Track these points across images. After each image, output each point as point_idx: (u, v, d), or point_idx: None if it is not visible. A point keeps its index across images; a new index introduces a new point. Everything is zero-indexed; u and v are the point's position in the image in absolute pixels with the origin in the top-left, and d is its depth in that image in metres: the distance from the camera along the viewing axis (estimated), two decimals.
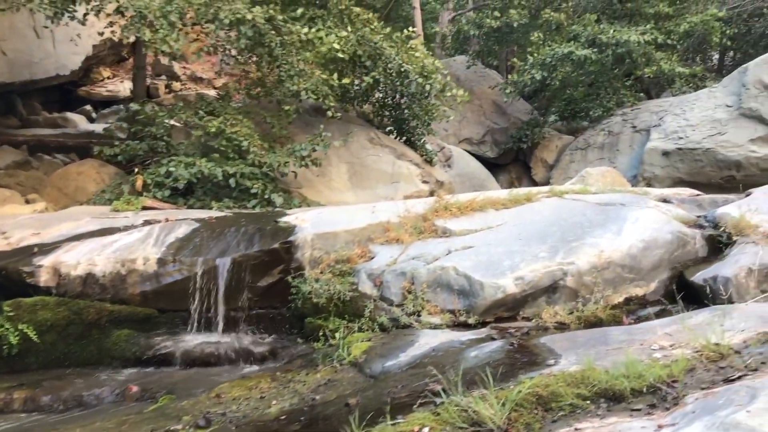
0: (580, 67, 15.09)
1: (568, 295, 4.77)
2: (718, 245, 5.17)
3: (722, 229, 5.22)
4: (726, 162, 12.33)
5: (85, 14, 9.13)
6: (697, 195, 6.85)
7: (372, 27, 11.84)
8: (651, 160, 13.29)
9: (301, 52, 10.89)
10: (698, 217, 5.72)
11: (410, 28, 12.21)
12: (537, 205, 5.92)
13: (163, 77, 20.26)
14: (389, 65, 11.72)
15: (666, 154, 13.08)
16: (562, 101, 17.03)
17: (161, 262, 5.23)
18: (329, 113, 10.95)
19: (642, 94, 16.28)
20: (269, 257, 5.32)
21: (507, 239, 5.26)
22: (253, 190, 9.70)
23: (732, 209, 5.43)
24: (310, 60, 11.32)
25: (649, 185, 13.30)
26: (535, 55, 14.30)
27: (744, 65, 12.81)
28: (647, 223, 5.25)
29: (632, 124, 14.47)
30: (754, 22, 17.96)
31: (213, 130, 9.72)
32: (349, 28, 11.33)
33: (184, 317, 5.17)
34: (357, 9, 12.09)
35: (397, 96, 12.72)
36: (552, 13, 14.75)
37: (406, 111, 13.33)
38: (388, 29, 11.98)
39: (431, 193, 12.35)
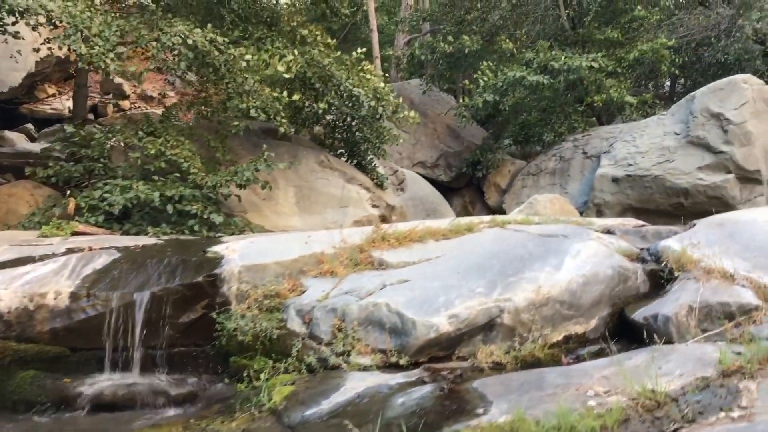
0: (533, 92, 15.10)
1: (506, 334, 4.54)
2: (659, 280, 5.01)
3: (664, 263, 5.07)
4: (674, 189, 12.37)
5: (14, 22, 8.72)
6: (642, 226, 6.72)
7: (321, 49, 11.62)
8: (601, 186, 13.28)
9: (246, 74, 10.61)
10: (641, 250, 5.57)
11: (359, 50, 12.03)
12: (478, 236, 5.71)
13: (111, 96, 19.74)
14: (340, 88, 11.51)
15: (616, 180, 13.09)
16: (516, 126, 17.04)
17: (74, 296, 4.84)
18: (282, 130, 10.66)
19: (594, 119, 16.38)
20: (192, 291, 4.98)
21: (445, 272, 5.03)
22: (192, 211, 9.33)
23: (674, 243, 5.28)
24: (258, 81, 11.04)
25: (599, 212, 13.29)
26: (486, 79, 14.25)
27: (691, 93, 12.94)
28: (588, 257, 5.07)
29: (583, 150, 14.50)
30: (703, 51, 18.26)
31: (152, 152, 9.37)
32: (296, 52, 11.09)
33: (99, 356, 4.78)
34: (306, 31, 11.86)
35: (348, 118, 12.50)
36: (505, 40, 14.75)
37: (357, 134, 13.11)
38: (338, 52, 11.77)
39: (382, 218, 12.12)
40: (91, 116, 18.72)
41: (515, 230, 5.81)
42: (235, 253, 5.41)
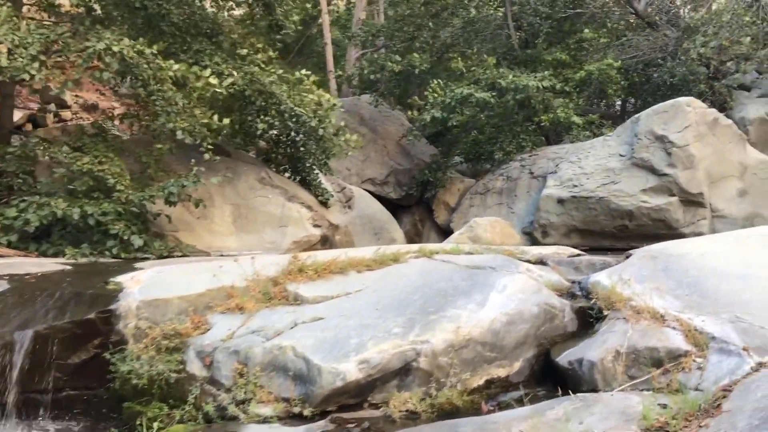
0: (482, 110, 14.89)
1: (422, 379, 4.16)
2: (589, 318, 4.71)
3: (593, 300, 4.78)
4: (619, 211, 12.23)
5: None
6: (577, 255, 6.46)
7: (262, 66, 11.19)
8: (546, 207, 13.08)
9: (175, 92, 10.12)
10: (572, 283, 5.28)
11: (302, 71, 11.64)
12: (403, 267, 5.35)
13: (52, 105, 18.94)
14: (281, 107, 11.10)
15: (561, 201, 12.90)
16: (467, 143, 16.80)
17: None
18: (206, 156, 10.14)
19: (543, 139, 16.24)
20: (83, 329, 4.49)
21: (362, 309, 4.64)
22: (112, 232, 8.79)
23: (604, 278, 5.00)
24: (190, 97, 10.57)
25: (544, 232, 13.09)
26: (434, 95, 13.99)
27: (636, 115, 12.85)
28: (515, 292, 4.74)
29: (530, 170, 14.31)
30: (652, 72, 18.32)
31: (78, 168, 8.84)
32: (234, 72, 10.65)
33: None
34: (245, 48, 11.41)
35: (292, 133, 12.07)
36: (456, 58, 14.50)
37: (301, 149, 12.70)
38: (280, 70, 11.34)
39: (323, 239, 11.70)
40: (29, 127, 17.93)
41: (443, 261, 5.47)
42: (138, 285, 4.93)
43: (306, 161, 12.60)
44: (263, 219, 11.32)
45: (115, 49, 8.77)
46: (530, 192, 14.02)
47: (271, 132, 12.05)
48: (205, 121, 9.84)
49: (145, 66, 9.29)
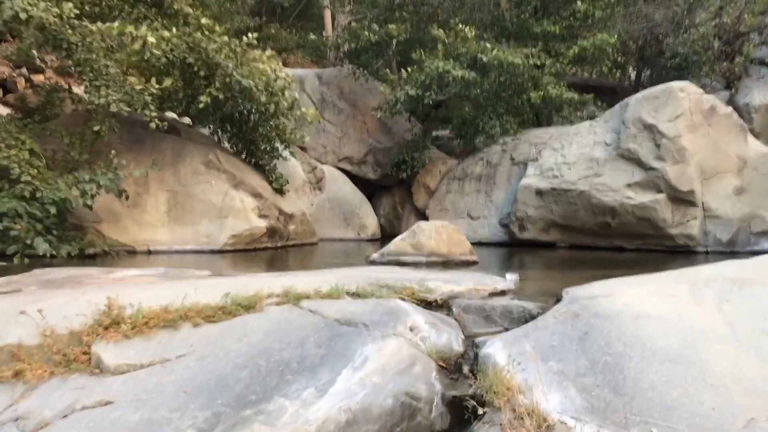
0: (465, 88, 13.50)
1: None
2: (465, 412, 3.47)
3: (477, 386, 3.53)
4: (601, 207, 10.86)
5: None
6: (501, 292, 5.19)
7: (208, 33, 9.87)
8: (524, 198, 11.74)
9: (110, 55, 8.87)
10: (468, 347, 4.04)
11: (250, 35, 10.29)
12: (254, 319, 4.12)
13: (24, 69, 17.84)
14: (227, 79, 9.82)
15: (540, 193, 11.55)
16: (458, 118, 15.40)
17: None
18: (151, 125, 8.98)
19: (528, 120, 14.77)
20: None
21: (168, 391, 3.45)
22: (12, 233, 7.68)
23: (499, 350, 3.74)
24: (125, 65, 9.32)
25: (521, 226, 11.77)
26: (410, 71, 12.60)
27: (625, 99, 11.36)
28: (372, 372, 3.51)
29: (511, 155, 12.92)
30: (665, 45, 16.62)
31: None
32: (174, 30, 9.37)
33: None
34: (188, 9, 10.07)
35: (245, 112, 10.79)
36: (437, 28, 13.00)
37: (256, 129, 11.43)
38: (225, 37, 10.02)
39: (271, 231, 10.51)
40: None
41: (310, 311, 4.23)
42: None
43: (260, 143, 11.35)
44: (201, 209, 10.15)
45: (34, 12, 7.55)
46: (510, 180, 12.69)
47: (225, 109, 10.77)
48: (140, 87, 8.59)
49: (70, 32, 8.07)
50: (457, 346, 4.03)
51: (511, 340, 3.85)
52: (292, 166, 14.00)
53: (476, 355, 3.91)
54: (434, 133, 18.48)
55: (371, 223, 14.43)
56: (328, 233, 13.78)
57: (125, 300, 4.23)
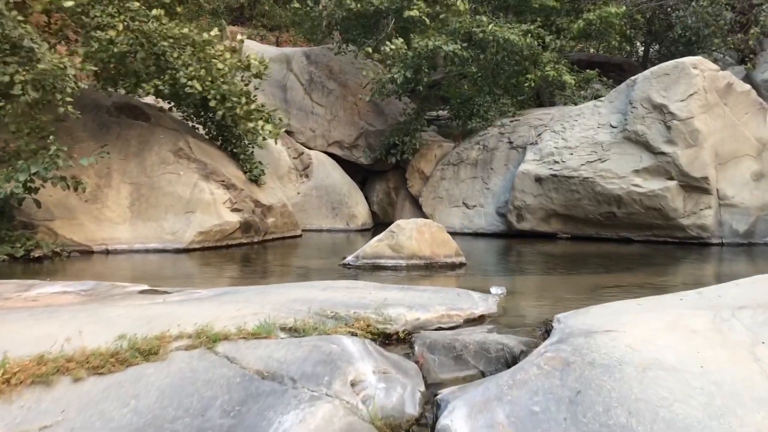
0: (461, 65, 12.43)
1: None
2: None
3: None
4: (605, 196, 9.83)
5: None
6: (479, 318, 4.22)
7: (162, 22, 8.86)
8: (522, 186, 10.72)
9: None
10: (423, 411, 3.08)
11: (213, 32, 9.26)
12: (152, 372, 3.16)
13: None
14: (176, 75, 8.82)
15: (539, 180, 10.52)
16: (456, 99, 14.31)
17: None
18: (60, 110, 7.90)
19: (529, 100, 13.67)
20: None
21: None
22: None
23: (459, 420, 2.78)
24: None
25: (519, 215, 10.77)
26: (393, 47, 11.53)
27: (633, 77, 10.27)
28: None
29: (509, 138, 11.86)
30: (675, 19, 15.45)
31: None
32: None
33: None
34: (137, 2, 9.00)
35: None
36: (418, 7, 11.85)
37: (228, 117, 10.42)
38: (186, 29, 8.98)
39: (245, 225, 9.56)
40: None
41: (226, 358, 3.27)
42: None
43: (233, 129, 10.36)
44: (167, 202, 9.21)
45: None
46: (508, 165, 11.66)
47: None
48: (57, 61, 7.53)
49: None
50: (412, 408, 3.07)
51: (480, 405, 2.88)
52: (277, 152, 13.00)
53: (435, 423, 2.95)
54: (433, 114, 17.36)
55: (361, 212, 13.43)
56: (316, 224, 12.81)
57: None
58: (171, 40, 8.59)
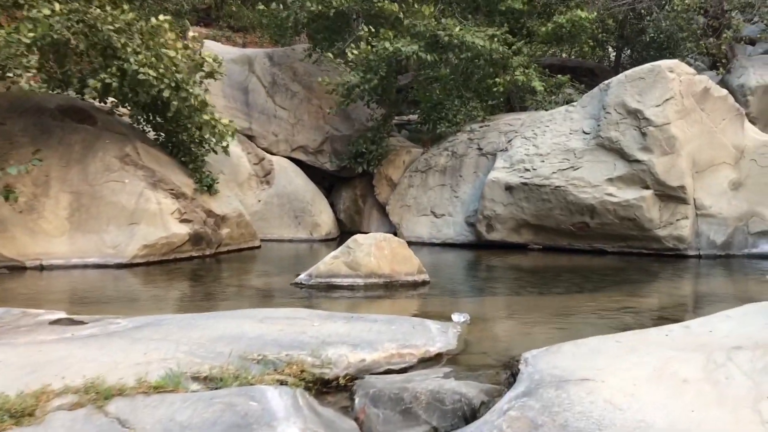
0: (431, 68, 11.88)
1: None
2: None
3: None
4: (578, 205, 9.33)
5: None
6: (434, 358, 3.63)
7: (108, 9, 8.15)
8: (492, 194, 10.18)
9: None
10: None
11: (161, 17, 8.59)
12: None
13: None
14: (124, 65, 8.15)
15: (510, 189, 9.99)
16: (426, 104, 13.73)
17: None
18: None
19: (505, 101, 13.16)
20: None
21: None
22: None
23: None
24: None
25: (489, 226, 10.24)
26: (356, 52, 10.95)
27: (607, 81, 9.79)
28: None
29: (479, 144, 11.32)
30: (646, 23, 15.09)
31: None
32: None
33: None
34: None
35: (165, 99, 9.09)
36: (388, 3, 11.27)
37: (173, 122, 9.75)
38: (131, 14, 8.30)
39: (195, 237, 8.87)
40: None
41: (117, 421, 2.64)
42: None
43: (181, 134, 9.68)
44: (110, 213, 8.49)
45: None
46: (478, 172, 11.12)
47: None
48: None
49: None
50: None
51: None
52: (237, 157, 12.31)
53: None
54: (405, 118, 16.72)
55: (326, 221, 12.79)
56: (277, 233, 12.14)
57: None
58: (116, 26, 7.90)
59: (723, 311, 3.84)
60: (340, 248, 6.39)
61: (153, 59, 8.13)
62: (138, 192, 8.67)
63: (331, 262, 6.27)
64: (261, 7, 13.55)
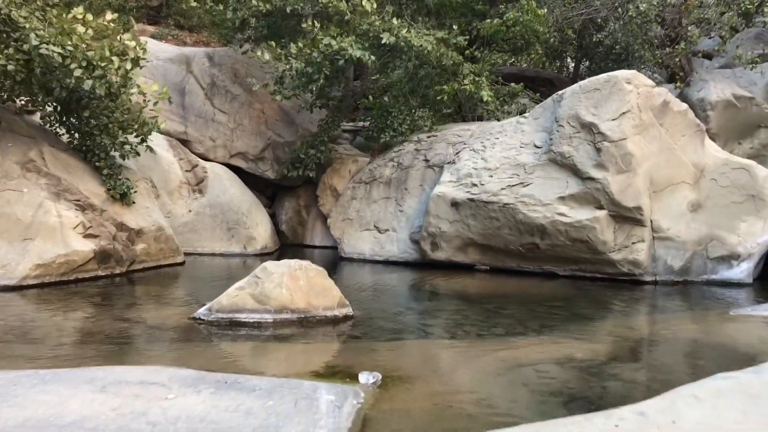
0: (381, 74, 11.00)
1: None
2: None
3: None
4: (527, 225, 8.51)
5: None
6: None
7: None
8: (437, 210, 9.31)
9: None
10: None
11: None
12: None
13: None
14: (24, 46, 7.07)
15: (456, 204, 9.14)
16: (377, 110, 12.82)
17: None
18: None
19: (456, 108, 12.35)
20: None
21: None
22: None
23: None
24: None
25: (434, 244, 9.37)
26: (301, 45, 10.02)
27: (560, 92, 9.02)
28: None
29: (425, 156, 10.46)
30: (604, 34, 14.46)
31: None
32: None
33: None
34: None
35: (78, 94, 8.03)
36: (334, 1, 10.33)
37: (91, 119, 8.68)
38: None
39: (102, 254, 7.79)
40: None
41: None
42: None
43: (96, 136, 8.60)
44: (2, 227, 7.37)
45: None
46: (424, 185, 10.26)
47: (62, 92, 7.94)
48: None
49: None
50: None
51: None
52: (167, 163, 11.25)
53: None
54: (359, 125, 15.77)
55: (262, 234, 11.76)
56: (208, 247, 11.07)
57: None
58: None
59: (689, 386, 2.99)
60: (246, 278, 5.40)
61: (59, 36, 7.05)
62: (37, 203, 7.56)
63: (235, 294, 5.28)
64: (209, 5, 12.51)
